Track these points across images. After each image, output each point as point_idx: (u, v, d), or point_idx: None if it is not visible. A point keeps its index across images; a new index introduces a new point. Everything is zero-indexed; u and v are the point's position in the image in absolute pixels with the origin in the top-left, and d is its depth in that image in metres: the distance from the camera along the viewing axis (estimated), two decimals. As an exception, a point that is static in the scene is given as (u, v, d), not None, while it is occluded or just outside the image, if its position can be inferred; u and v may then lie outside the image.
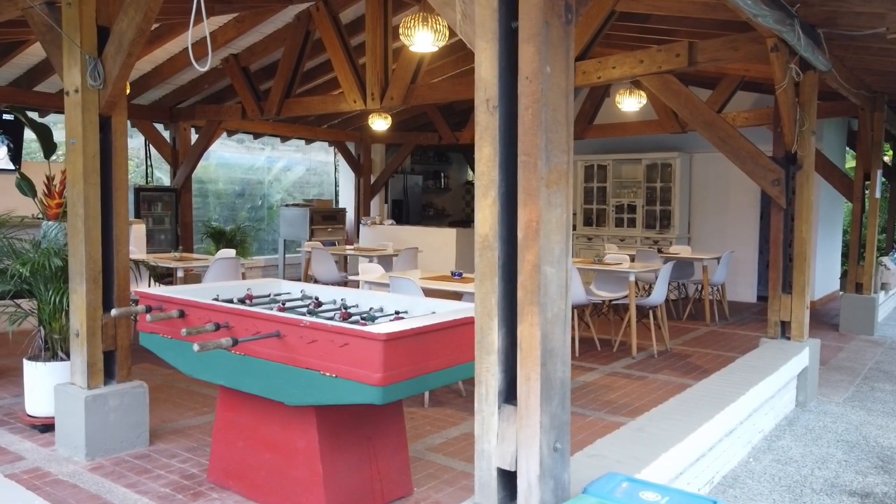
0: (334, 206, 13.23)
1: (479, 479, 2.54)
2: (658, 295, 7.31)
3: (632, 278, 7.15)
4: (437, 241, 11.76)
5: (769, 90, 10.04)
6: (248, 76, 9.25)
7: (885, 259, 10.48)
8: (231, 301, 3.96)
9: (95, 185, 4.16)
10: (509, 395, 2.50)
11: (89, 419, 4.10)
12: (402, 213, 14.64)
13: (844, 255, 13.22)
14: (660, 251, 9.86)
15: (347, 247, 11.02)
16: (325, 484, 3.33)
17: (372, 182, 13.65)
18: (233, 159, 13.54)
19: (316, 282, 9.41)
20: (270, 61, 9.55)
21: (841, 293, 12.27)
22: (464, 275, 6.00)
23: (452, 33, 6.61)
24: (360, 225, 13.13)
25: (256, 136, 12.79)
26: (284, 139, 13.26)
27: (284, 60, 8.65)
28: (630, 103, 8.40)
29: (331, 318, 3.36)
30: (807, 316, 5.79)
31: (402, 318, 3.57)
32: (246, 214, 13.98)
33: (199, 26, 7.82)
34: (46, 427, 4.58)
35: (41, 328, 4.58)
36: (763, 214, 11.42)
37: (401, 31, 5.34)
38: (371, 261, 9.09)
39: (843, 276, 12.14)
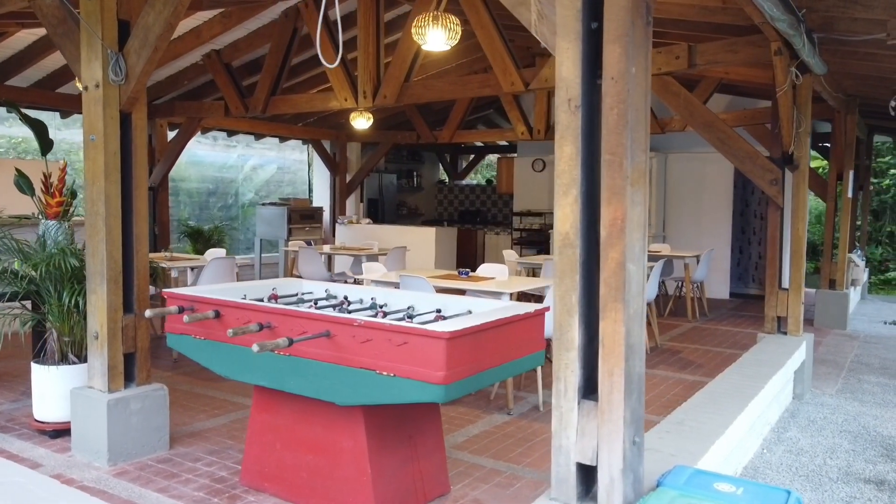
0: (311, 205, 13.08)
1: (556, 474, 2.57)
2: (650, 292, 7.45)
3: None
4: (417, 241, 11.74)
5: (745, 92, 10.37)
6: (231, 73, 9.10)
7: (852, 255, 10.88)
8: (261, 300, 3.90)
9: (116, 182, 4.05)
10: (587, 390, 2.54)
11: (111, 423, 3.99)
12: (377, 213, 14.57)
13: (811, 254, 13.67)
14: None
15: (325, 246, 10.93)
16: (373, 483, 3.32)
17: (348, 181, 13.54)
18: (206, 157, 13.29)
19: (303, 281, 9.30)
20: (253, 57, 9.42)
21: (812, 290, 12.72)
22: (471, 273, 6.02)
23: (466, 35, 6.63)
24: (337, 224, 13.04)
25: (230, 133, 12.58)
26: (259, 137, 13.07)
27: (271, 57, 8.53)
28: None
29: (373, 318, 3.34)
30: (802, 311, 5.98)
31: (444, 317, 3.58)
32: (217, 213, 13.74)
33: (185, 21, 7.69)
34: (58, 432, 4.44)
35: (52, 331, 4.43)
36: (735, 214, 11.75)
37: (413, 29, 5.33)
38: (364, 260, 9.06)
39: (814, 273, 12.56)
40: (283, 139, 13.35)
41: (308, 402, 3.49)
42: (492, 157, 18.27)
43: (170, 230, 10.68)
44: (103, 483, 3.79)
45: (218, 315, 3.60)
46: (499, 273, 6.21)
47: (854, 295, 10.65)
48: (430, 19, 5.20)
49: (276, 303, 3.96)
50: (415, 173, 16.22)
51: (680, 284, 10.10)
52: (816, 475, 4.24)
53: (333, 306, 3.98)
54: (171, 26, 3.84)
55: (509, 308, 3.45)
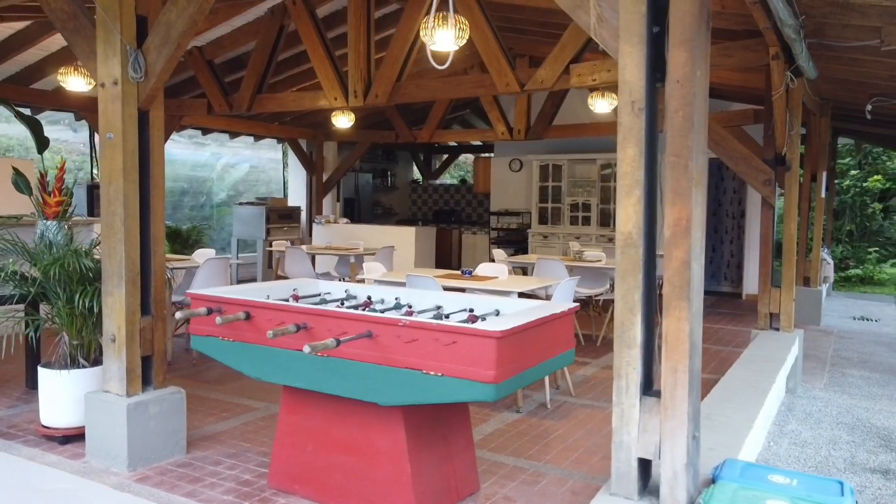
0: (289, 205, 12.95)
1: (617, 469, 2.62)
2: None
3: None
4: (396, 240, 11.71)
5: (721, 95, 10.61)
6: (214, 70, 8.95)
7: (822, 253, 11.25)
8: (286, 301, 3.87)
9: (135, 182, 3.96)
10: (646, 387, 2.59)
11: (131, 428, 3.90)
12: (353, 212, 14.49)
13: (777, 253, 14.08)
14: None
15: (306, 245, 10.83)
16: (413, 483, 3.32)
17: (325, 180, 13.44)
18: (178, 155, 13.04)
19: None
20: (236, 54, 9.29)
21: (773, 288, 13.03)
22: (473, 273, 6.05)
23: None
24: (314, 223, 12.92)
25: (206, 131, 12.37)
26: (234, 135, 12.89)
27: (257, 55, 8.43)
28: (602, 105, 8.65)
29: (416, 318, 3.35)
30: (793, 308, 6.17)
31: (476, 317, 3.60)
32: (190, 213, 13.51)
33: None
34: (67, 438, 4.33)
35: (63, 334, 4.31)
36: (707, 213, 12.01)
37: (421, 30, 5.32)
38: (352, 260, 9.01)
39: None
40: (257, 138, 13.18)
41: (343, 403, 3.48)
42: (464, 157, 18.34)
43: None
44: (126, 489, 3.70)
45: (248, 316, 3.56)
46: (498, 272, 6.25)
47: (823, 292, 11.00)
48: (440, 19, 5.20)
49: (298, 303, 3.93)
50: (389, 173, 16.18)
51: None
52: (824, 466, 4.39)
53: (356, 306, 3.97)
54: (195, 23, 3.77)
55: (545, 307, 3.49)
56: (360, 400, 3.31)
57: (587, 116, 11.75)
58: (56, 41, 8.15)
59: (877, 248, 15.92)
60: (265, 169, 14.40)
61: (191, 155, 13.24)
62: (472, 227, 14.51)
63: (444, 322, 3.07)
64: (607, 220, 12.00)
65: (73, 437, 4.33)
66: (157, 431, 4.05)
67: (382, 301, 4.13)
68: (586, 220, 12.14)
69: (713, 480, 2.64)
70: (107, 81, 3.93)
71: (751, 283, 11.75)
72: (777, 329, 6.14)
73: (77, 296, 4.22)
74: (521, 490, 3.84)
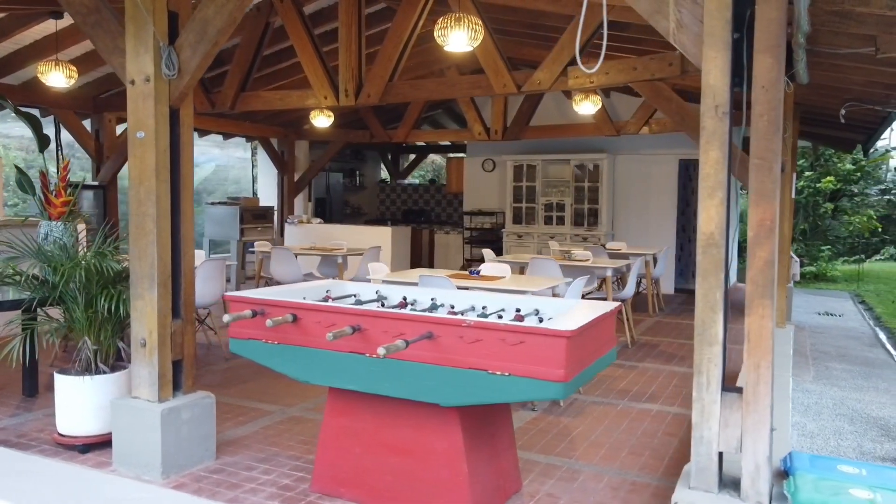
0: (261, 205, 12.74)
1: (697, 463, 2.69)
2: (629, 289, 7.75)
3: (609, 273, 7.53)
4: (372, 240, 11.66)
5: (694, 98, 10.89)
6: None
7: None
8: (326, 301, 3.83)
9: (166, 181, 3.86)
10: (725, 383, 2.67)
11: (165, 434, 3.80)
12: (325, 212, 14.35)
13: (742, 251, 14.53)
14: (603, 247, 10.38)
15: (271, 245, 10.67)
16: (469, 484, 3.33)
17: (296, 179, 13.27)
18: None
19: (277, 283, 9.09)
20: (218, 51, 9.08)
21: (738, 284, 13.47)
22: (482, 273, 6.08)
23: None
24: (286, 224, 12.75)
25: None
26: (203, 133, 12.60)
27: (241, 52, 8.28)
28: (587, 107, 8.80)
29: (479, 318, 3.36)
30: (785, 304, 6.40)
31: (522, 316, 3.63)
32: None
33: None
34: (88, 447, 4.18)
35: (86, 340, 4.16)
36: (676, 212, 12.33)
37: (435, 31, 5.33)
38: (340, 260, 8.93)
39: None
40: (227, 136, 12.93)
41: (395, 405, 3.47)
42: (431, 157, 18.36)
43: (119, 231, 10.12)
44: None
45: (295, 318, 3.51)
46: (503, 272, 6.30)
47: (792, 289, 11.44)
48: (453, 20, 5.21)
49: (332, 303, 3.89)
50: (357, 172, 16.08)
51: (640, 280, 10.51)
52: (837, 455, 4.58)
53: (393, 308, 3.96)
54: (234, 20, 3.70)
55: (595, 306, 3.55)
56: (419, 401, 3.30)
57: (563, 117, 11.95)
58: (30, 35, 7.85)
59: (829, 246, 16.59)
60: (234, 168, 14.13)
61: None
62: (444, 226, 14.53)
63: (511, 322, 3.09)
64: (581, 219, 12.19)
65: (95, 446, 4.19)
66: (189, 437, 3.95)
67: (415, 302, 4.12)
68: (560, 220, 12.31)
69: (785, 472, 2.74)
70: (137, 78, 3.82)
71: (719, 280, 12.10)
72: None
73: (101, 299, 4.08)
74: (562, 487, 3.89)
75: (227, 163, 14.01)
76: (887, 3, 3.92)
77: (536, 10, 7.45)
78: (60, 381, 4.20)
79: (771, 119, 2.49)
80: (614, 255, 9.54)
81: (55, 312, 4.37)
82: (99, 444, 4.20)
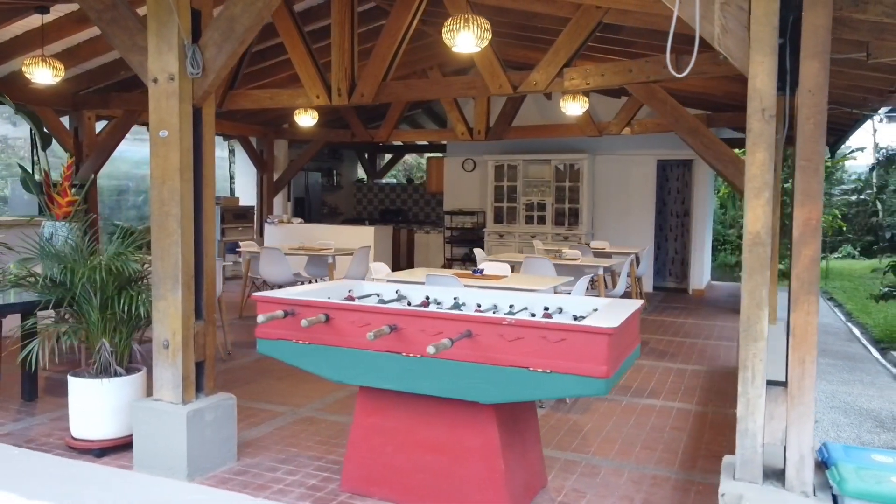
0: (240, 204, 12.59)
1: (742, 455, 2.77)
2: (620, 287, 7.88)
3: (601, 272, 7.65)
4: (355, 240, 11.62)
5: (681, 100, 11.10)
6: (179, 64, 8.61)
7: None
8: (352, 300, 3.83)
9: (190, 181, 3.82)
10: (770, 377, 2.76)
11: (190, 436, 3.76)
12: (303, 212, 14.24)
13: (715, 249, 14.88)
14: (587, 245, 10.51)
15: (251, 246, 10.58)
16: (505, 480, 3.38)
17: (276, 179, 13.14)
18: (120, 152, 12.41)
19: (264, 283, 9.01)
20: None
21: (713, 283, 13.77)
22: (485, 271, 6.12)
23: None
24: (266, 223, 12.62)
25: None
26: (180, 132, 12.39)
27: (230, 50, 8.17)
28: (574, 107, 8.91)
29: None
30: (777, 301, 6.58)
31: (550, 315, 3.69)
32: (127, 213, 12.91)
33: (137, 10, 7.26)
34: (104, 451, 4.12)
35: (104, 342, 4.09)
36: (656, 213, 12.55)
37: (443, 32, 5.35)
38: (330, 260, 8.89)
39: (735, 266, 13.62)
40: (203, 135, 12.73)
41: (429, 403, 3.49)
42: (408, 157, 18.35)
43: (100, 232, 9.91)
44: (195, 500, 3.57)
45: (328, 318, 3.51)
46: (503, 271, 6.36)
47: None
48: (462, 22, 5.24)
49: (358, 303, 3.90)
50: (334, 172, 15.99)
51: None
52: (839, 447, 4.73)
53: (418, 306, 3.98)
54: (263, 19, 3.68)
55: (627, 304, 3.62)
56: (457, 399, 3.33)
57: (544, 118, 12.07)
58: (10, 30, 7.64)
59: (787, 242, 17.02)
60: (210, 167, 13.91)
61: (133, 151, 12.62)
62: (423, 226, 14.55)
63: (551, 320, 3.14)
64: (562, 219, 12.32)
65: (111, 449, 4.14)
66: (212, 439, 3.92)
67: (436, 300, 4.15)
68: (541, 220, 12.43)
69: (823, 463, 2.84)
70: (160, 77, 3.77)
71: (696, 278, 12.37)
72: (762, 321, 6.53)
73: (118, 300, 4.02)
74: (585, 482, 3.96)
75: (204, 162, 13.79)
76: (883, 11, 4.06)
77: (529, 11, 7.53)
78: (75, 383, 4.12)
79: (817, 122, 2.59)
80: (599, 254, 9.67)
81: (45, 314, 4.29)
82: (115, 448, 4.15)
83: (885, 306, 11.14)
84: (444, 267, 12.93)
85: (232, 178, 13.76)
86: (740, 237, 17.12)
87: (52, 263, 4.05)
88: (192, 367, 3.88)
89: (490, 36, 5.34)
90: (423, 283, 5.59)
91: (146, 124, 11.02)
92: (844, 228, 16.92)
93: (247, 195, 13.25)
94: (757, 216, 2.68)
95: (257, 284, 9.33)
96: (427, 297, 4.13)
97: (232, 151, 13.74)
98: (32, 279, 4.06)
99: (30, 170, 9.07)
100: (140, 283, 4.27)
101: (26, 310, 4.31)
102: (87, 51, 8.26)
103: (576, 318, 3.56)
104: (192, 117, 3.85)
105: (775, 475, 2.77)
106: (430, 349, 2.95)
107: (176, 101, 3.74)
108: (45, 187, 4.76)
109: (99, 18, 4.01)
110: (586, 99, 9.00)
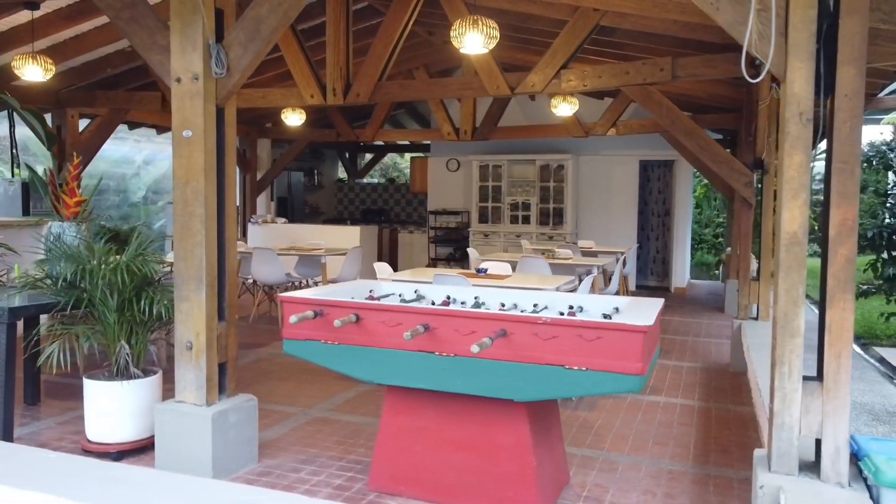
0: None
1: (778, 448, 2.86)
2: (613, 286, 8.00)
3: (595, 271, 7.75)
4: (340, 240, 11.59)
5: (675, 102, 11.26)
6: (168, 62, 8.50)
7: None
8: (374, 300, 3.85)
9: (213, 181, 3.80)
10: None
11: (216, 438, 3.74)
12: (286, 212, 14.14)
13: (694, 248, 15.12)
14: (575, 244, 10.62)
15: (240, 246, 10.49)
16: (536, 476, 3.43)
17: (259, 178, 13.03)
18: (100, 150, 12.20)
19: (255, 284, 8.95)
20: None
21: (692, 281, 14.01)
22: (489, 271, 6.17)
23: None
24: (249, 223, 12.51)
25: (132, 126, 11.66)
26: (161, 130, 12.22)
27: (222, 48, 8.10)
28: (565, 108, 9.01)
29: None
30: (770, 299, 6.74)
31: (575, 313, 3.75)
32: (108, 212, 12.69)
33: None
34: (121, 454, 4.07)
35: (123, 344, 4.04)
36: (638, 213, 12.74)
37: (451, 33, 5.38)
38: (323, 259, 8.85)
39: (716, 266, 13.85)
40: (185, 134, 12.56)
41: (459, 402, 3.53)
42: (389, 157, 18.32)
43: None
44: (224, 501, 3.56)
45: (358, 318, 3.52)
46: (505, 270, 6.42)
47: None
48: (469, 23, 5.28)
49: (379, 302, 3.92)
50: (316, 171, 15.90)
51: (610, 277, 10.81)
52: (841, 440, 4.88)
53: (441, 305, 4.01)
54: (289, 19, 3.68)
55: (650, 303, 3.70)
56: (488, 397, 3.37)
57: (527, 119, 12.17)
58: (-3, 25, 7.48)
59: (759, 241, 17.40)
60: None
61: (113, 150, 12.42)
62: (405, 226, 14.56)
63: (587, 319, 3.20)
64: (546, 219, 12.44)
65: (129, 452, 4.09)
66: (235, 441, 3.90)
67: (456, 300, 4.18)
68: (526, 219, 12.53)
69: (854, 455, 2.94)
70: (184, 76, 3.74)
71: (678, 277, 12.59)
72: (755, 318, 6.70)
73: (136, 302, 3.98)
74: (606, 478, 4.03)
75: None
76: (881, 18, 4.20)
77: (524, 13, 7.60)
78: (92, 386, 4.07)
79: (853, 125, 2.68)
80: (586, 254, 9.79)
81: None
82: (133, 451, 4.11)
83: (860, 303, 11.46)
84: (428, 266, 12.96)
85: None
86: (715, 236, 17.44)
87: (68, 265, 3.99)
88: (216, 368, 3.86)
89: (498, 37, 5.38)
90: (431, 283, 5.63)
91: (128, 123, 10.86)
92: (817, 227, 17.27)
93: (229, 195, 13.11)
94: (794, 216, 2.77)
95: (247, 286, 9.27)
96: (448, 297, 4.16)
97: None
98: (49, 280, 4.00)
99: (13, 167, 8.89)
100: (157, 284, 4.23)
101: (40, 312, 4.24)
102: (73, 48, 8.11)
103: (605, 316, 3.63)
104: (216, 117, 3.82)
105: (808, 467, 2.87)
106: (475, 348, 2.98)
107: (200, 101, 3.72)
108: (52, 187, 4.68)
109: (117, 17, 3.97)
110: (576, 100, 9.11)
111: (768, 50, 2.82)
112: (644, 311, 3.42)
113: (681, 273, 12.64)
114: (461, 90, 7.61)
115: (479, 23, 5.33)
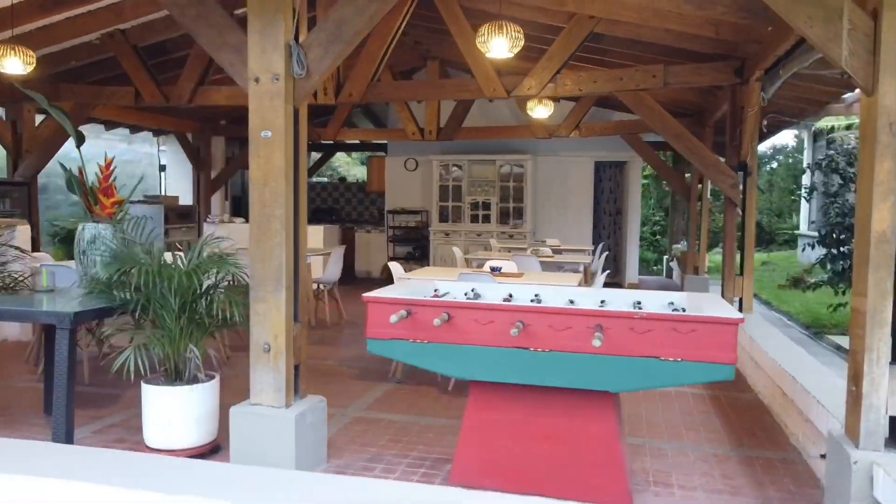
0: (181, 203, 12.06)
1: (866, 427, 3.16)
2: (600, 280, 8.31)
3: (581, 268, 8.05)
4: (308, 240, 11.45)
5: (611, 106, 11.71)
6: (141, 56, 8.21)
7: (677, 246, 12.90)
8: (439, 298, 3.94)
9: (291, 182, 3.78)
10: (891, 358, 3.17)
11: (298, 439, 3.74)
12: (241, 211, 13.81)
13: (647, 247, 15.77)
14: (543, 242, 10.92)
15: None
16: (624, 463, 3.62)
17: (213, 177, 12.68)
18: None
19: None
20: (164, 38, 8.56)
21: (641, 277, 14.63)
22: (503, 270, 6.31)
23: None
24: (206, 223, 12.18)
25: (109, 126, 11.14)
26: (110, 126, 11.72)
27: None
28: (541, 111, 9.26)
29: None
30: (752, 293, 7.21)
31: (640, 307, 3.96)
32: (69, 210, 12.06)
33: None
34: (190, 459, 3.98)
35: (192, 349, 3.95)
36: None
37: (477, 38, 5.49)
38: (308, 260, 8.74)
39: (657, 263, 14.46)
40: (133, 130, 12.11)
41: (545, 395, 3.66)
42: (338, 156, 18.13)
43: (41, 233, 9.25)
44: (316, 502, 3.56)
45: (449, 318, 3.61)
46: (513, 268, 6.59)
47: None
48: (495, 28, 5.41)
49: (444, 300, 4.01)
50: (264, 170, 15.57)
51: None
52: (844, 421, 5.32)
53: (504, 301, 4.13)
54: (373, 23, 3.71)
55: (708, 297, 3.95)
56: (575, 389, 3.53)
57: (487, 120, 12.39)
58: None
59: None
60: (140, 164, 13.22)
61: (70, 147, 11.76)
62: (359, 225, 14.50)
63: (683, 313, 3.41)
64: (506, 218, 12.70)
65: (193, 458, 4.00)
66: (311, 441, 3.91)
67: (511, 297, 4.31)
68: (486, 218, 12.76)
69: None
70: (263, 77, 3.71)
71: (631, 272, 13.13)
72: (740, 311, 7.14)
73: (205, 303, 3.92)
74: (661, 464, 4.26)
75: (133, 158, 13.07)
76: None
77: (519, 19, 7.78)
78: (154, 392, 3.97)
79: (937, 136, 3.00)
80: (555, 251, 10.10)
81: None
82: (198, 456, 4.02)
83: (797, 294, 12.33)
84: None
85: (162, 175, 13.14)
86: (653, 234, 18.15)
87: (132, 268, 3.87)
88: (293, 370, 3.85)
89: (522, 42, 5.53)
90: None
91: (93, 120, 10.35)
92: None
93: (181, 193, 12.70)
94: (883, 217, 3.07)
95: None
96: (510, 294, 4.29)
97: (160, 148, 13.11)
98: (120, 284, 3.87)
99: (8, 167, 8.34)
100: (218, 286, 4.16)
101: (99, 317, 4.08)
102: (42, 38, 7.71)
103: (675, 310, 3.85)
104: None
105: (888, 444, 3.18)
106: (596, 343, 3.14)
107: (281, 102, 3.70)
108: (83, 187, 4.49)
109: (182, 14, 3.89)
110: (552, 104, 9.38)
111: (858, 65, 3.10)
112: (712, 305, 3.66)
113: (632, 269, 13.19)
114: (458, 92, 7.73)
115: (504, 28, 5.47)
